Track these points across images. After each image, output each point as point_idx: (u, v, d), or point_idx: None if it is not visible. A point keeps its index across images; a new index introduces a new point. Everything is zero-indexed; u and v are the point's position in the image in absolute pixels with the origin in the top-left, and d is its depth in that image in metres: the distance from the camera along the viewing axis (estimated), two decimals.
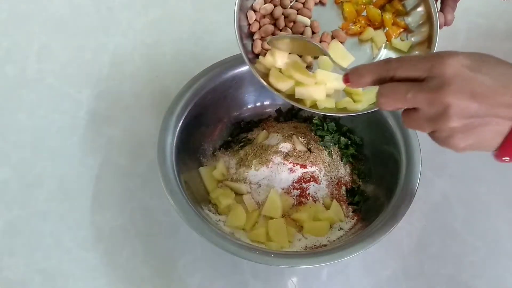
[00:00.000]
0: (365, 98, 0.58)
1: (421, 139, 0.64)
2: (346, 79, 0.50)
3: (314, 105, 0.58)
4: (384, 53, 0.61)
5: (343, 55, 0.59)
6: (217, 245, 0.57)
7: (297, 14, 0.60)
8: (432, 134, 0.47)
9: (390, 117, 0.67)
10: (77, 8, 0.90)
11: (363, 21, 0.61)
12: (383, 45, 0.61)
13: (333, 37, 0.60)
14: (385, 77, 0.47)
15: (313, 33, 0.60)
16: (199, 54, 0.85)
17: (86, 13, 0.90)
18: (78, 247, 0.68)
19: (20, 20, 0.88)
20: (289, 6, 0.61)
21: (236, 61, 0.70)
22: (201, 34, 0.87)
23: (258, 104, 0.76)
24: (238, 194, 0.68)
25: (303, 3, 0.61)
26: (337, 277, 0.66)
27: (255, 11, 0.60)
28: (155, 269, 0.67)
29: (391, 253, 0.68)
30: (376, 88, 0.48)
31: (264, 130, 0.73)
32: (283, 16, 0.60)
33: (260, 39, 0.59)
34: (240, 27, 0.58)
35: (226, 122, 0.75)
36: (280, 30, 0.60)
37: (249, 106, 0.76)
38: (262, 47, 0.59)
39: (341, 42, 0.60)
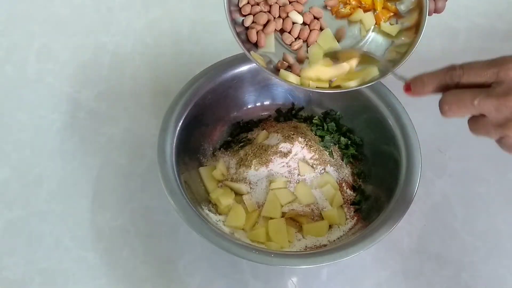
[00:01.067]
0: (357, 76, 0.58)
1: (421, 140, 0.64)
2: (408, 88, 0.49)
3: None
4: (372, 36, 0.61)
5: (331, 45, 0.59)
6: (217, 245, 0.57)
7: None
8: (500, 141, 0.46)
9: (390, 117, 0.67)
10: (77, 8, 0.90)
11: (353, 2, 0.61)
12: (372, 28, 0.61)
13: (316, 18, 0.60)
14: (449, 84, 0.46)
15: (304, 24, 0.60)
16: (199, 54, 0.85)
17: (86, 13, 0.90)
18: (78, 247, 0.68)
19: (20, 20, 0.88)
20: None
21: (236, 61, 0.70)
22: (201, 34, 0.87)
23: (258, 104, 0.76)
24: (238, 194, 0.68)
25: None
26: (337, 277, 0.66)
27: None
28: (155, 269, 0.67)
29: (391, 253, 0.68)
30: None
31: (264, 130, 0.73)
32: (277, 5, 0.59)
33: (254, 27, 0.58)
34: (233, 20, 0.58)
35: (226, 122, 0.75)
36: (274, 19, 0.59)
37: (249, 106, 0.76)
38: (258, 36, 0.58)
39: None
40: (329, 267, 0.66)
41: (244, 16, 0.59)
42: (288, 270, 0.67)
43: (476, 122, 0.46)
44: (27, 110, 0.79)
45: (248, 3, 0.59)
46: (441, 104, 0.47)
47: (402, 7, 0.60)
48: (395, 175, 0.63)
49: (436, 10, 0.60)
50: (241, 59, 0.70)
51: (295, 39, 0.60)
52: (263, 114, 0.76)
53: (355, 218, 0.67)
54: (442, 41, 0.87)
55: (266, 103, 0.76)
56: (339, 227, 0.66)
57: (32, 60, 0.84)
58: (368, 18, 0.61)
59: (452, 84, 0.46)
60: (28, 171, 0.74)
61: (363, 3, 0.61)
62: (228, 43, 0.83)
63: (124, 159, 0.75)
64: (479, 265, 0.67)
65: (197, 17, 0.89)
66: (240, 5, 0.59)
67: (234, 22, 0.58)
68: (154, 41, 0.87)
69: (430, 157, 0.65)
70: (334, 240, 0.65)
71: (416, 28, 0.58)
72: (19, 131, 0.77)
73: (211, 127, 0.73)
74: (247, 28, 0.59)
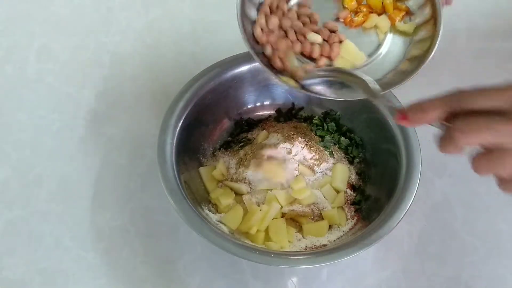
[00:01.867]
0: None
1: (421, 140, 0.64)
2: (403, 117, 0.44)
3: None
4: (390, 38, 0.60)
5: (355, 55, 0.59)
6: (217, 245, 0.57)
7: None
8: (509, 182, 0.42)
9: (390, 117, 0.67)
10: (77, 8, 0.90)
11: (365, 9, 0.61)
12: (388, 30, 0.61)
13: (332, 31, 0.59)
14: (456, 110, 0.42)
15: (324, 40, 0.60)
16: (199, 54, 0.85)
17: (86, 13, 0.90)
18: (78, 247, 0.68)
19: (20, 20, 0.88)
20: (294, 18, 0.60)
21: (236, 61, 0.70)
22: (201, 34, 0.87)
23: (258, 104, 0.76)
24: (238, 194, 0.68)
25: (309, 16, 0.60)
26: (337, 277, 0.66)
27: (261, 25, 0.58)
28: (155, 269, 0.67)
29: (391, 253, 0.68)
30: None
31: (264, 130, 0.73)
32: (293, 30, 0.59)
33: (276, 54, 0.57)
34: (254, 49, 0.56)
35: (226, 122, 0.75)
36: (292, 44, 0.59)
37: (249, 106, 0.76)
38: (282, 63, 0.57)
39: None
40: (329, 267, 0.66)
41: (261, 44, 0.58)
42: (288, 270, 0.67)
43: (487, 157, 0.42)
44: (27, 110, 0.79)
45: (262, 31, 0.58)
46: (452, 132, 0.42)
47: (411, 4, 0.60)
48: (395, 175, 0.63)
49: (447, 2, 0.59)
50: (241, 59, 0.70)
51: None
52: (263, 114, 0.76)
53: (355, 218, 0.67)
54: (442, 41, 0.86)
55: (266, 103, 0.76)
56: (339, 227, 0.66)
57: (32, 60, 0.84)
58: (383, 21, 0.60)
59: (460, 110, 0.42)
60: (28, 171, 0.74)
61: (373, 8, 0.61)
62: (228, 43, 0.84)
63: (124, 159, 0.75)
64: (479, 265, 0.67)
65: (197, 17, 0.89)
66: (255, 35, 0.57)
67: (256, 51, 0.56)
68: (154, 41, 0.87)
69: (430, 157, 0.65)
70: (334, 240, 0.65)
71: (434, 22, 0.58)
72: (19, 131, 0.77)
73: (211, 127, 0.73)
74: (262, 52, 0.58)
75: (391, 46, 0.60)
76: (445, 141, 0.43)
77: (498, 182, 0.44)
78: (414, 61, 0.57)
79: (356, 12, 0.61)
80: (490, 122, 0.41)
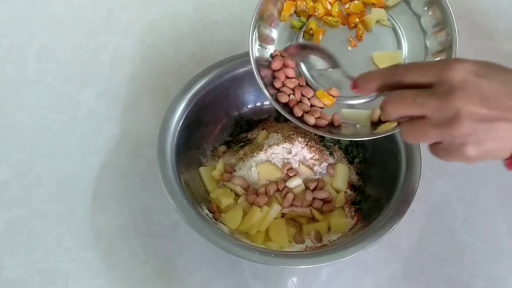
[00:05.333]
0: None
1: None
2: (354, 85, 0.50)
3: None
4: (391, 19, 0.61)
5: (392, 58, 0.60)
6: (217, 245, 0.57)
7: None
8: (437, 146, 0.46)
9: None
10: (77, 8, 0.90)
11: (357, 19, 0.61)
12: (385, 16, 0.61)
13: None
14: (392, 82, 0.47)
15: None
16: (199, 54, 0.84)
17: (86, 13, 0.90)
18: (78, 247, 0.68)
19: (20, 20, 0.88)
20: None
21: (236, 61, 0.70)
22: (201, 34, 0.87)
23: (258, 104, 0.76)
24: (238, 194, 0.68)
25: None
26: (337, 277, 0.66)
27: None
28: (155, 269, 0.67)
29: (391, 253, 0.68)
30: None
31: (264, 130, 0.73)
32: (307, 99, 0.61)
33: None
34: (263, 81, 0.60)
35: (226, 122, 0.75)
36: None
37: (249, 106, 0.76)
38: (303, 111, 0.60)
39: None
40: (329, 267, 0.66)
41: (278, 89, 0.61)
42: (288, 270, 0.67)
43: (413, 125, 0.46)
44: (27, 110, 0.79)
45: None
46: (383, 103, 0.47)
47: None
48: (395, 175, 0.63)
49: None
50: (241, 59, 0.70)
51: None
52: (263, 114, 0.76)
53: (355, 218, 0.67)
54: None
55: (266, 103, 0.76)
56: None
57: (32, 60, 0.84)
58: (377, 12, 0.61)
59: (395, 83, 0.47)
60: (28, 171, 0.74)
61: (357, 10, 0.61)
62: (228, 43, 0.84)
63: (124, 159, 0.75)
64: (479, 265, 0.67)
65: (197, 17, 0.89)
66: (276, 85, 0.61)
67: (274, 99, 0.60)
68: (154, 41, 0.87)
69: (430, 157, 0.65)
70: (334, 240, 0.65)
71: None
72: (19, 131, 0.77)
73: (211, 127, 0.73)
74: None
75: (402, 25, 0.61)
76: (382, 111, 0.49)
77: (428, 147, 0.48)
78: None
79: (354, 26, 0.61)
80: (416, 95, 0.45)
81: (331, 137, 0.61)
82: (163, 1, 0.91)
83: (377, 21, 0.61)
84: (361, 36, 0.61)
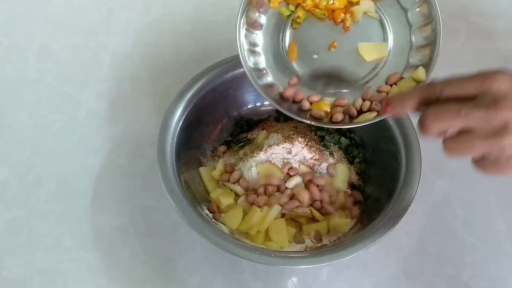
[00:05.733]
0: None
1: (421, 140, 0.64)
2: (386, 106, 0.49)
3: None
4: (388, 24, 0.61)
5: (377, 49, 0.61)
6: (217, 245, 0.57)
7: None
8: (484, 161, 0.45)
9: (390, 116, 0.67)
10: (77, 8, 0.90)
11: (342, 14, 0.62)
12: (374, 8, 0.61)
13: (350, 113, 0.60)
14: (430, 98, 0.45)
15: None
16: (199, 54, 0.84)
17: (86, 13, 0.90)
18: (78, 247, 0.68)
19: (20, 20, 0.88)
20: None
21: (236, 61, 0.70)
22: (201, 34, 0.87)
23: (258, 104, 0.76)
24: (238, 194, 0.68)
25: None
26: (337, 277, 0.66)
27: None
28: (155, 269, 0.67)
29: (391, 253, 0.68)
30: None
31: (264, 130, 0.73)
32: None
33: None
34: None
35: (226, 122, 0.75)
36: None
37: (249, 106, 0.76)
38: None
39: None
40: (329, 267, 0.66)
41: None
42: (288, 270, 0.67)
43: (457, 139, 0.44)
44: (27, 110, 0.79)
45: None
46: (422, 119, 0.45)
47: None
48: (395, 175, 0.63)
49: None
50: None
51: None
52: (263, 114, 0.76)
53: (355, 218, 0.67)
54: (442, 42, 0.87)
55: (266, 103, 0.76)
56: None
57: (32, 60, 0.84)
58: (365, 3, 0.61)
59: (433, 99, 0.45)
60: (28, 171, 0.74)
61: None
62: (228, 43, 0.83)
63: (124, 159, 0.75)
64: (479, 265, 0.67)
65: (197, 17, 0.89)
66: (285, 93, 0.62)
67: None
68: (154, 41, 0.87)
69: (430, 157, 0.65)
70: (334, 240, 0.65)
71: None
72: (19, 131, 0.77)
73: (211, 127, 0.73)
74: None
75: (394, 34, 0.61)
76: (419, 127, 0.46)
77: (472, 163, 0.47)
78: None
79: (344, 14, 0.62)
80: (460, 107, 0.43)
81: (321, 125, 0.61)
82: (163, 1, 0.91)
83: (365, 13, 0.61)
84: (348, 27, 0.61)
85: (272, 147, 0.68)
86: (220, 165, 0.70)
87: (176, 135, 0.65)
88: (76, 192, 0.72)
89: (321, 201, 0.67)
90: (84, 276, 0.66)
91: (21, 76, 0.83)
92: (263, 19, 0.62)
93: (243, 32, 0.61)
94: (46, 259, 0.67)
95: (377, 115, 0.57)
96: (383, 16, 0.61)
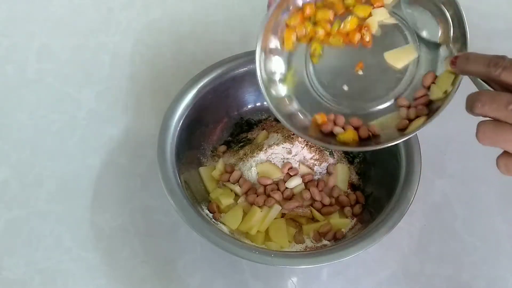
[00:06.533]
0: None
1: (421, 140, 0.64)
2: (454, 61, 0.49)
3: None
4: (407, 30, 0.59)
5: (405, 54, 0.58)
6: (217, 245, 0.57)
7: None
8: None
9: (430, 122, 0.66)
10: (77, 8, 0.90)
11: (357, 33, 0.59)
12: (388, 15, 0.59)
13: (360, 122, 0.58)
14: (490, 73, 0.44)
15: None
16: (199, 54, 0.85)
17: (86, 13, 0.90)
18: (78, 247, 0.68)
19: (20, 20, 0.88)
20: None
21: (236, 61, 0.70)
22: (201, 34, 0.87)
23: (258, 104, 0.76)
24: (238, 194, 0.68)
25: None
26: (337, 277, 0.66)
27: None
28: (155, 269, 0.67)
29: (391, 253, 0.68)
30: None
31: (264, 130, 0.73)
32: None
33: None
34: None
35: (226, 122, 0.75)
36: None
37: (249, 106, 0.76)
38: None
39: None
40: (329, 267, 0.66)
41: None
42: (288, 270, 0.67)
43: (495, 128, 0.43)
44: (27, 110, 0.79)
45: None
46: (473, 100, 0.43)
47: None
48: (395, 175, 0.63)
49: None
50: (241, 59, 0.70)
51: None
52: (263, 114, 0.76)
53: (355, 218, 0.67)
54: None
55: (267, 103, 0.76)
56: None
57: (32, 60, 0.84)
58: (379, 13, 0.58)
59: (493, 75, 0.44)
60: (28, 171, 0.74)
61: (362, 13, 0.59)
62: (228, 43, 0.84)
63: (124, 159, 0.75)
64: (479, 265, 0.67)
65: (197, 17, 0.89)
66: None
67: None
68: (154, 41, 0.87)
69: (430, 157, 0.65)
70: (334, 240, 0.65)
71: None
72: (19, 131, 0.77)
73: (211, 127, 0.73)
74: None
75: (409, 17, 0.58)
76: (467, 104, 0.45)
77: (499, 159, 0.45)
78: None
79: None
80: (509, 101, 0.42)
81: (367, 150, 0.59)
82: (163, 1, 0.91)
83: (380, 21, 0.59)
84: (368, 41, 0.59)
85: (272, 147, 0.68)
86: (220, 165, 0.70)
87: (176, 135, 0.65)
88: (76, 192, 0.72)
89: (321, 201, 0.67)
90: (84, 276, 0.66)
91: (21, 76, 0.83)
92: (283, 59, 0.60)
93: (264, 77, 0.59)
94: (46, 259, 0.67)
95: (425, 120, 0.54)
96: (400, 18, 0.58)
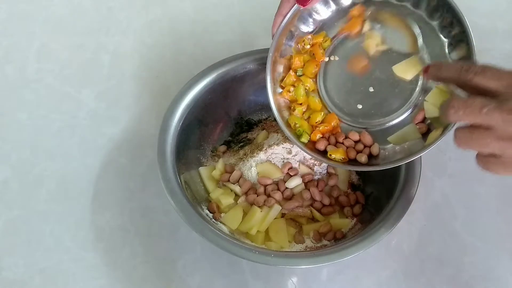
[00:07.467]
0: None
1: None
2: (426, 69, 0.50)
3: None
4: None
5: (411, 63, 0.59)
6: (217, 245, 0.57)
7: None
8: (491, 159, 0.45)
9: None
10: (77, 8, 0.90)
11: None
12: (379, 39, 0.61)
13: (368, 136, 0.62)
14: (462, 78, 0.45)
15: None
16: (199, 54, 0.85)
17: (86, 13, 0.90)
18: (78, 247, 0.68)
19: (20, 20, 0.88)
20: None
21: (236, 61, 0.70)
22: (201, 34, 0.87)
23: (258, 104, 0.76)
24: (238, 194, 0.68)
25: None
26: (337, 277, 0.66)
27: None
28: (155, 269, 0.67)
29: (391, 253, 0.68)
30: None
31: (264, 130, 0.73)
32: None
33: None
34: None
35: (226, 122, 0.75)
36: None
37: (249, 106, 0.76)
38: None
39: None
40: (329, 267, 0.66)
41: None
42: (288, 270, 0.67)
43: (473, 133, 0.44)
44: (27, 110, 0.79)
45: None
46: (446, 107, 0.45)
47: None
48: (395, 175, 0.63)
49: None
50: (241, 59, 0.70)
51: None
52: (263, 114, 0.76)
53: (355, 218, 0.67)
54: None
55: (266, 103, 0.76)
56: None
57: (32, 60, 0.84)
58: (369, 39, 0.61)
59: (465, 80, 0.45)
60: (28, 171, 0.74)
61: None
62: (228, 43, 0.84)
63: (124, 159, 0.75)
64: (479, 265, 0.67)
65: (197, 17, 0.89)
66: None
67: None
68: (154, 41, 0.87)
69: (430, 157, 0.65)
70: (334, 240, 0.65)
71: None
72: (19, 131, 0.77)
73: (211, 127, 0.74)
74: None
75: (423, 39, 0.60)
76: (441, 111, 0.46)
77: (477, 157, 0.46)
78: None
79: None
80: (482, 105, 0.43)
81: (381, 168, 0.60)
82: (163, 1, 0.91)
83: (377, 45, 0.61)
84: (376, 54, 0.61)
85: (272, 147, 0.68)
86: (220, 165, 0.70)
87: (176, 135, 0.65)
88: (76, 192, 0.72)
89: (321, 201, 0.67)
90: (84, 276, 0.66)
91: (21, 76, 0.83)
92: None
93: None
94: (46, 259, 0.67)
95: (443, 131, 0.55)
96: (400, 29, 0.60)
